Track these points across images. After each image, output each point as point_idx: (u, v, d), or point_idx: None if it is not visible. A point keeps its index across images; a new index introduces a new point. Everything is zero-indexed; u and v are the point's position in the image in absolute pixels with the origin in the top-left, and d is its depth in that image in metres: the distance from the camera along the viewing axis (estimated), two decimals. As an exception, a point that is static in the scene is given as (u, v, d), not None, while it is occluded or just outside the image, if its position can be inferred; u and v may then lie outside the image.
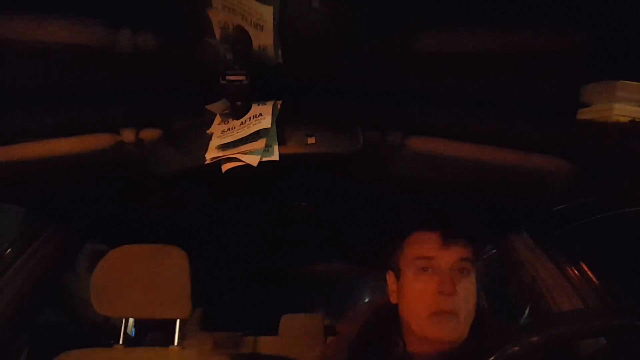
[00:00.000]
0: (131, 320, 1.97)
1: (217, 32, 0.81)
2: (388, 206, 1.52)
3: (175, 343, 1.45)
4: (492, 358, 0.82)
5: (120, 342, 1.46)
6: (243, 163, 0.96)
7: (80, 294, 1.43)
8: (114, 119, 1.08)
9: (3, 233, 1.67)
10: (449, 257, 0.99)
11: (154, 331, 2.43)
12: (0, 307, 1.43)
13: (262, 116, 0.94)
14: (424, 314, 0.98)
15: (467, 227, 1.03)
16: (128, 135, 1.08)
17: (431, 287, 0.98)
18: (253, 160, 0.95)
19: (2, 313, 1.44)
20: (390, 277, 1.08)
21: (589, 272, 1.48)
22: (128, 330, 1.75)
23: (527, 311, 1.72)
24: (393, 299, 1.06)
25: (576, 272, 1.48)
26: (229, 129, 0.96)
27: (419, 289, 0.99)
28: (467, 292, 0.99)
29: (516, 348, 0.83)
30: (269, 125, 0.93)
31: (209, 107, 0.95)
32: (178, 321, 1.45)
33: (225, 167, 0.97)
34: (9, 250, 1.53)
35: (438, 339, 0.98)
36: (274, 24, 0.77)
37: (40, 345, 1.69)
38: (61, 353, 1.38)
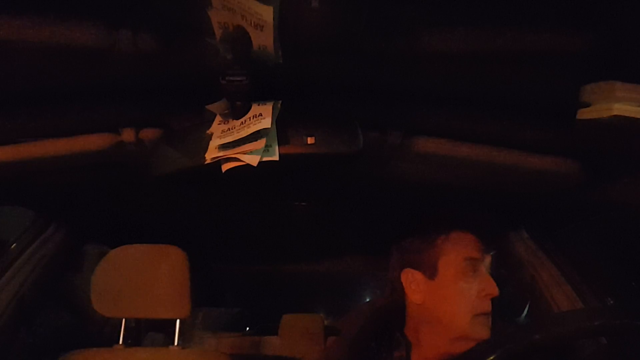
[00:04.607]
0: (132, 320, 1.97)
1: (217, 32, 0.81)
2: (388, 206, 1.52)
3: (175, 343, 1.45)
4: (492, 358, 0.82)
5: (120, 342, 1.46)
6: (243, 163, 0.95)
7: (87, 294, 1.43)
8: (114, 119, 1.08)
9: (4, 233, 1.67)
10: (488, 259, 1.04)
11: (154, 331, 2.43)
12: (0, 306, 1.44)
13: (262, 116, 0.93)
14: (468, 315, 1.00)
15: (494, 228, 1.07)
16: (128, 135, 1.08)
17: (475, 288, 1.01)
18: (253, 160, 0.95)
19: (2, 312, 1.44)
20: (413, 276, 1.06)
21: (589, 272, 1.48)
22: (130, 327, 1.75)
23: (526, 311, 1.73)
24: (417, 299, 1.06)
25: (576, 272, 1.48)
26: (229, 129, 0.96)
27: (465, 290, 1.01)
28: None
29: (516, 348, 0.83)
30: (269, 125, 0.92)
31: (209, 107, 0.95)
32: (178, 321, 1.46)
33: (225, 167, 0.97)
34: (9, 249, 1.53)
35: (479, 339, 0.99)
36: (273, 23, 0.77)
37: (43, 345, 1.69)
38: (63, 353, 1.38)
